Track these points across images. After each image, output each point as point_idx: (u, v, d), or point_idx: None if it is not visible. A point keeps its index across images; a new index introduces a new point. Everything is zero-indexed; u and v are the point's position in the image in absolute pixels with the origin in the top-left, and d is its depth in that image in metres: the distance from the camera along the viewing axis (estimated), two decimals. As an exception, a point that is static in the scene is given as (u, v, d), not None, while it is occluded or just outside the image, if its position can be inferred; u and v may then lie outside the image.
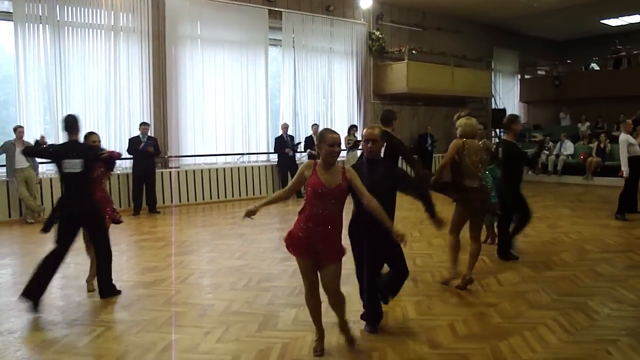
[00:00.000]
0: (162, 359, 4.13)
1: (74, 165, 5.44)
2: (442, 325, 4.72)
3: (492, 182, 7.24)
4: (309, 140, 14.20)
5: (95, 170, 5.91)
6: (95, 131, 11.06)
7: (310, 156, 14.03)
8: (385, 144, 4.96)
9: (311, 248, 3.93)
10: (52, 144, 6.23)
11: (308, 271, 4.04)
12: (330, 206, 3.91)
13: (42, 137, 6.10)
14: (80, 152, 5.50)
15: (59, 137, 11.21)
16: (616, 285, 5.80)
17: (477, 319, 4.87)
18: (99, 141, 6.23)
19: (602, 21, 19.44)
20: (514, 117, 7.11)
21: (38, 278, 5.33)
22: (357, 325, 4.62)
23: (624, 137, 9.68)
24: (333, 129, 4.10)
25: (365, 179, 4.07)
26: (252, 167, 13.87)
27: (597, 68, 20.33)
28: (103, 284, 5.73)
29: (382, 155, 4.79)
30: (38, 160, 10.57)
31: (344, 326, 4.29)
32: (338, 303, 4.15)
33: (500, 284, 5.96)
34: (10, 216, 10.58)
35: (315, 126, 14.42)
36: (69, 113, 5.91)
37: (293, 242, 4.00)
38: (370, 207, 3.98)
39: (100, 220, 5.78)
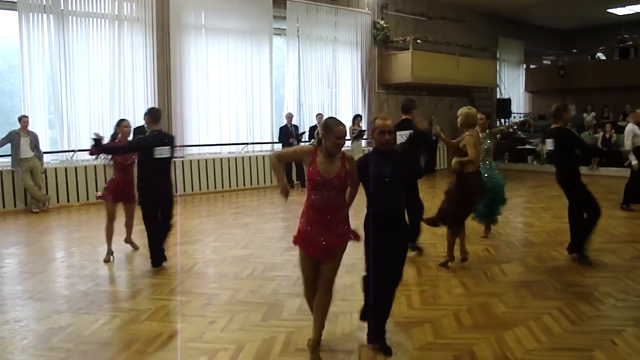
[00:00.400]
0: (167, 348, 4.15)
1: (164, 151, 6.26)
2: (446, 315, 4.72)
3: (489, 171, 7.29)
4: (313, 130, 14.17)
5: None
6: (100, 121, 11.05)
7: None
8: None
9: (318, 241, 3.83)
10: (141, 136, 7.04)
11: (306, 264, 3.96)
12: (331, 196, 3.82)
13: (97, 134, 6.37)
14: (167, 140, 6.37)
15: (63, 125, 11.27)
16: (621, 276, 5.78)
17: (482, 309, 4.87)
18: (130, 126, 7.06)
19: (608, 10, 19.28)
20: (564, 106, 6.60)
21: (155, 246, 6.36)
22: (348, 318, 4.62)
23: (630, 127, 9.63)
24: (338, 118, 4.01)
25: (379, 168, 4.00)
26: (257, 157, 13.86)
27: (603, 57, 20.19)
28: (156, 253, 6.40)
29: (400, 142, 5.12)
30: (43, 150, 10.62)
31: (316, 341, 3.97)
32: (324, 301, 3.95)
33: (505, 274, 5.95)
34: (15, 205, 10.61)
35: (319, 116, 14.38)
36: (153, 106, 7.02)
37: (301, 237, 3.93)
38: (349, 197, 4.00)
39: (172, 197, 6.59)
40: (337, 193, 3.84)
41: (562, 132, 6.39)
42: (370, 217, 4.04)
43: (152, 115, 6.39)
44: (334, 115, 15.23)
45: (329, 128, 3.81)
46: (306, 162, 3.90)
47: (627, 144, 9.54)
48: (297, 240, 3.96)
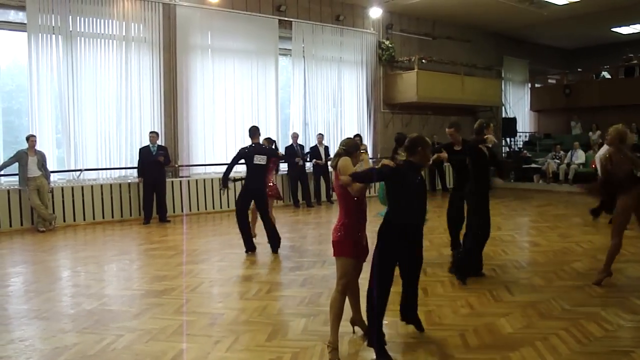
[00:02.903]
0: (172, 368, 4.13)
1: (262, 159, 8.06)
2: (453, 335, 4.69)
3: None
4: (314, 150, 14.20)
5: (270, 163, 8.46)
6: (107, 140, 11.23)
7: (315, 166, 14.01)
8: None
9: (364, 243, 4.36)
10: (243, 148, 8.29)
11: (355, 271, 4.44)
12: (364, 201, 4.36)
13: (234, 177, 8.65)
14: (264, 151, 8.20)
15: (70, 145, 11.35)
16: (630, 296, 5.74)
17: (488, 329, 4.83)
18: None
19: (613, 29, 19.37)
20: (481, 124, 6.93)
21: (246, 234, 8.26)
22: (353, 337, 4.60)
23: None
24: (343, 137, 4.50)
25: (409, 182, 4.32)
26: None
27: (608, 76, 20.21)
28: (275, 241, 8.24)
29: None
30: (50, 169, 10.69)
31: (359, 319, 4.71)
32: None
33: (511, 294, 5.92)
34: (22, 224, 10.65)
35: (320, 136, 14.42)
36: (254, 125, 8.78)
37: (361, 248, 4.36)
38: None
39: (265, 197, 8.28)
40: (364, 198, 4.39)
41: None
42: (396, 229, 4.32)
43: (252, 131, 8.27)
44: (339, 135, 15.41)
45: (356, 146, 4.42)
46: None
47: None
48: (353, 253, 4.30)
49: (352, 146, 4.42)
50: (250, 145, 8.18)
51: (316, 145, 14.26)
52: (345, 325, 4.48)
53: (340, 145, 4.45)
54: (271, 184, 8.89)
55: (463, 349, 4.41)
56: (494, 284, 6.33)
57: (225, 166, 8.42)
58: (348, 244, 4.26)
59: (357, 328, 4.72)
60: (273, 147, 9.48)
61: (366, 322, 4.51)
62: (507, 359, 4.16)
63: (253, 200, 8.32)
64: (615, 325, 4.89)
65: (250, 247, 8.26)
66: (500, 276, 6.70)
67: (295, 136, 14.09)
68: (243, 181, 8.40)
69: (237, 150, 8.34)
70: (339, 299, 4.27)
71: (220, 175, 12.96)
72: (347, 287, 4.33)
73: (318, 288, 6.23)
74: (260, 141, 8.46)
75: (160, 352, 4.40)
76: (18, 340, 4.74)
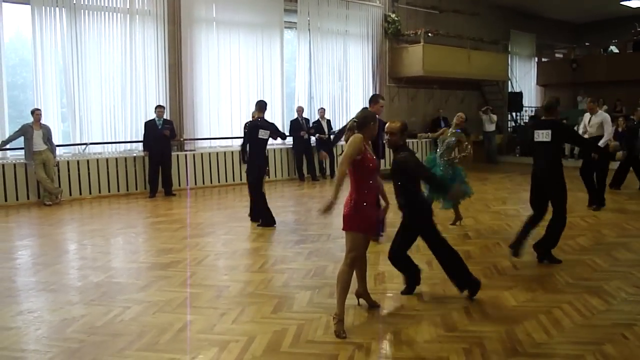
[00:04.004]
0: (178, 340, 4.18)
1: (265, 134, 8.10)
2: (457, 308, 4.73)
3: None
4: (317, 125, 14.13)
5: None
6: (112, 113, 11.22)
7: (319, 140, 13.96)
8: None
9: (370, 221, 4.39)
10: (249, 121, 8.59)
11: (365, 246, 4.51)
12: (376, 179, 4.42)
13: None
14: (268, 125, 8.23)
15: (75, 118, 11.36)
16: (633, 270, 5.76)
17: (492, 302, 4.86)
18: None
19: (622, 3, 19.06)
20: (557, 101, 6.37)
21: (267, 209, 8.25)
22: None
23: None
24: (349, 111, 4.44)
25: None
26: (267, 150, 13.78)
27: (616, 51, 20.01)
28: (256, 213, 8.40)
29: (550, 138, 5.89)
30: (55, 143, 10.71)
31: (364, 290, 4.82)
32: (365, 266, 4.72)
33: (515, 268, 5.94)
34: (28, 198, 10.70)
35: (321, 110, 14.35)
36: (262, 99, 9.01)
37: (370, 223, 4.40)
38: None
39: (262, 171, 8.32)
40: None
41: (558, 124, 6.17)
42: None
43: (260, 105, 8.31)
44: (344, 109, 15.35)
45: (374, 118, 4.46)
46: (361, 150, 4.23)
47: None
48: (363, 228, 4.34)
49: (363, 118, 4.36)
50: (257, 119, 8.23)
51: (319, 120, 14.21)
52: (350, 298, 4.52)
53: (353, 118, 4.43)
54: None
55: (467, 322, 4.44)
56: (498, 257, 6.36)
57: (236, 140, 8.53)
58: (356, 219, 4.26)
59: (362, 300, 4.76)
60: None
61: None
62: (510, 332, 4.20)
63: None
64: (618, 298, 4.92)
65: (272, 221, 8.26)
66: (504, 250, 6.71)
67: (300, 110, 14.04)
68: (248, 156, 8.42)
69: (246, 125, 8.47)
70: (347, 271, 4.30)
71: (226, 149, 13.17)
72: (355, 260, 4.36)
73: (323, 261, 6.26)
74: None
75: (167, 324, 4.45)
76: (27, 312, 4.80)
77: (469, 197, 7.95)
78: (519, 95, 19.86)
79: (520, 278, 5.57)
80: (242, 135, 8.94)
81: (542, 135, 6.07)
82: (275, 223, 8.25)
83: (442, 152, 7.77)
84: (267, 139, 8.27)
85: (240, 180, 13.30)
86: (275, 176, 13.84)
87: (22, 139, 10.30)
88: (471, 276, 4.96)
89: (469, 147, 7.76)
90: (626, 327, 4.25)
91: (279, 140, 9.67)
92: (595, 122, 9.51)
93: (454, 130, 7.80)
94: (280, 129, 14.16)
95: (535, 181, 6.24)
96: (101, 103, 11.76)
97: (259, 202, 8.33)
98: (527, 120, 20.42)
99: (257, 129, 8.08)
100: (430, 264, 6.05)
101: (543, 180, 6.12)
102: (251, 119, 8.64)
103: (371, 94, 15.94)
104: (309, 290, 5.24)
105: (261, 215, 8.31)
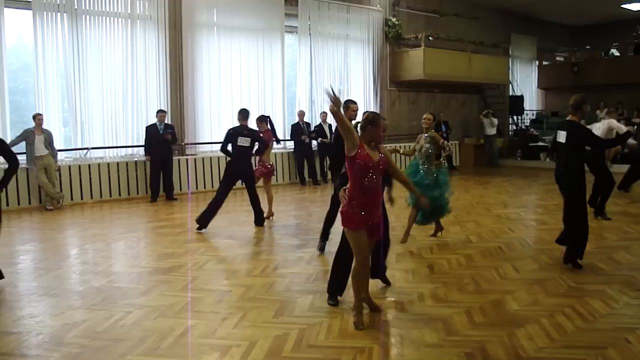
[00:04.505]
0: (179, 344, 4.17)
1: (245, 141, 8.33)
2: (458, 312, 4.72)
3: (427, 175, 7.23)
4: (319, 129, 14.12)
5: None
6: (113, 118, 11.28)
7: (321, 144, 13.96)
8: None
9: (367, 220, 4.33)
10: (231, 128, 8.65)
11: (366, 245, 4.39)
12: (376, 178, 4.34)
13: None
14: (249, 133, 8.43)
15: (77, 123, 11.38)
16: (635, 273, 5.75)
17: (493, 306, 4.85)
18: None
19: (622, 6, 19.08)
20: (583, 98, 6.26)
21: (213, 213, 8.31)
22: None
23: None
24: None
25: None
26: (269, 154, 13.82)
27: (617, 54, 20.00)
28: (259, 216, 8.63)
29: (564, 140, 5.94)
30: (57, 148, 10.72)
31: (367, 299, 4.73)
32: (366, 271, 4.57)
33: (517, 272, 5.93)
34: (30, 203, 10.71)
35: (323, 114, 14.36)
36: (244, 107, 9.01)
37: (353, 218, 4.32)
38: (403, 180, 4.77)
39: (252, 176, 8.73)
40: (379, 176, 4.39)
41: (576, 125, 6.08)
42: None
43: (242, 114, 8.53)
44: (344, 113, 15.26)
45: (376, 121, 4.38)
46: (354, 144, 4.26)
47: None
48: (354, 226, 4.33)
49: (364, 121, 4.42)
50: (239, 127, 8.49)
51: (320, 124, 14.22)
52: (351, 302, 4.51)
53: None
54: (269, 165, 9.20)
55: (469, 326, 4.43)
56: (500, 261, 6.35)
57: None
58: (349, 216, 4.33)
59: (364, 304, 4.72)
60: (267, 124, 9.43)
61: None
62: (512, 336, 4.19)
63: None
64: (620, 302, 4.91)
65: (204, 224, 8.31)
66: (506, 253, 6.71)
67: (301, 114, 14.04)
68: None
69: (229, 131, 8.63)
70: (359, 272, 4.46)
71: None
72: (366, 261, 4.46)
73: (324, 265, 6.25)
74: (250, 123, 8.74)
75: (168, 329, 4.44)
76: (28, 316, 4.80)
77: (449, 212, 7.52)
78: (520, 98, 19.86)
79: (522, 282, 5.56)
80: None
81: (561, 136, 6.12)
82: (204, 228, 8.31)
83: (423, 161, 7.25)
84: (249, 147, 8.45)
85: (241, 184, 13.29)
86: (277, 180, 13.81)
87: (23, 143, 10.30)
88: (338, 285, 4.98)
89: (446, 143, 7.40)
90: (629, 331, 4.24)
91: (277, 145, 9.76)
92: (604, 128, 9.73)
93: (425, 135, 7.28)
94: (282, 133, 14.30)
95: (558, 185, 6.24)
96: (102, 108, 11.77)
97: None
98: (527, 124, 20.44)
99: (236, 135, 8.34)
100: (431, 267, 6.05)
101: (559, 180, 6.14)
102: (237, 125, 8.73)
103: (372, 97, 16.09)
104: (311, 294, 5.24)
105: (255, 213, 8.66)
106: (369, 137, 4.36)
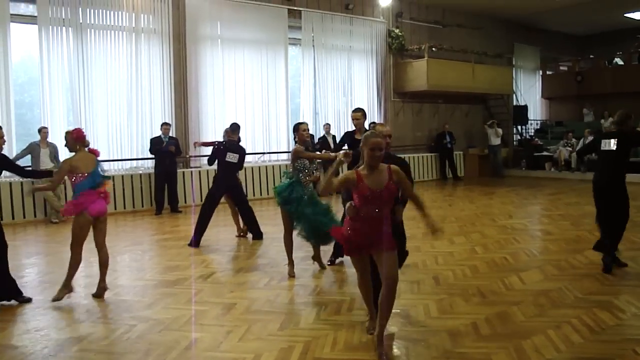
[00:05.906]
0: (185, 358, 4.16)
1: (234, 157, 8.19)
2: (464, 324, 4.68)
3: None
4: (323, 141, 14.13)
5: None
6: (118, 131, 11.29)
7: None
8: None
9: (365, 246, 4.12)
10: (221, 142, 8.75)
11: (360, 262, 4.32)
12: (376, 209, 4.02)
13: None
14: (237, 150, 8.32)
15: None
16: (642, 284, 5.71)
17: (500, 318, 4.82)
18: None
19: (626, 15, 19.11)
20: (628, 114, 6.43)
21: (203, 227, 8.21)
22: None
23: None
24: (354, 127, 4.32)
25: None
26: (273, 166, 13.88)
27: (620, 63, 20.00)
28: (255, 230, 8.55)
29: (615, 147, 6.04)
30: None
31: (381, 334, 4.10)
32: (391, 294, 4.00)
33: (523, 283, 5.90)
34: (35, 216, 10.74)
35: (327, 125, 14.37)
36: (235, 122, 8.83)
37: (345, 244, 4.26)
38: (415, 200, 4.24)
39: (241, 190, 8.88)
40: (383, 207, 4.04)
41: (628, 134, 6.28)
42: None
43: (233, 128, 8.43)
44: (349, 124, 15.32)
45: (365, 140, 4.01)
46: (353, 185, 4.04)
47: None
48: (346, 252, 4.34)
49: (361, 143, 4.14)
50: (228, 141, 8.43)
51: (324, 136, 14.24)
52: (358, 315, 4.49)
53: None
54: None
55: (475, 338, 4.40)
56: (506, 272, 6.31)
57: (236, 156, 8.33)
58: (341, 232, 4.32)
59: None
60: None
61: None
62: (519, 348, 4.16)
63: (229, 196, 8.68)
64: (628, 313, 4.87)
65: (197, 242, 8.14)
66: (512, 264, 6.68)
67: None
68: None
69: (220, 144, 8.66)
70: (361, 283, 4.46)
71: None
72: (363, 277, 4.41)
73: (329, 278, 6.24)
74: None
75: (174, 342, 4.43)
76: (34, 330, 4.80)
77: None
78: (524, 108, 19.85)
79: (528, 293, 5.52)
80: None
81: (609, 144, 6.20)
82: (197, 246, 8.11)
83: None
84: (237, 163, 8.34)
85: (246, 196, 13.31)
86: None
87: (29, 157, 10.35)
88: None
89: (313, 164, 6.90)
90: (637, 343, 4.20)
91: (269, 157, 9.71)
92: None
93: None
94: (286, 145, 14.32)
95: (597, 192, 6.33)
96: (107, 121, 11.83)
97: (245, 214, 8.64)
98: (532, 134, 20.41)
99: (226, 151, 8.23)
100: (436, 279, 6.03)
101: (604, 189, 6.27)
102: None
103: (376, 109, 16.11)
104: (316, 307, 5.22)
105: (252, 229, 8.64)
106: (364, 160, 4.05)
